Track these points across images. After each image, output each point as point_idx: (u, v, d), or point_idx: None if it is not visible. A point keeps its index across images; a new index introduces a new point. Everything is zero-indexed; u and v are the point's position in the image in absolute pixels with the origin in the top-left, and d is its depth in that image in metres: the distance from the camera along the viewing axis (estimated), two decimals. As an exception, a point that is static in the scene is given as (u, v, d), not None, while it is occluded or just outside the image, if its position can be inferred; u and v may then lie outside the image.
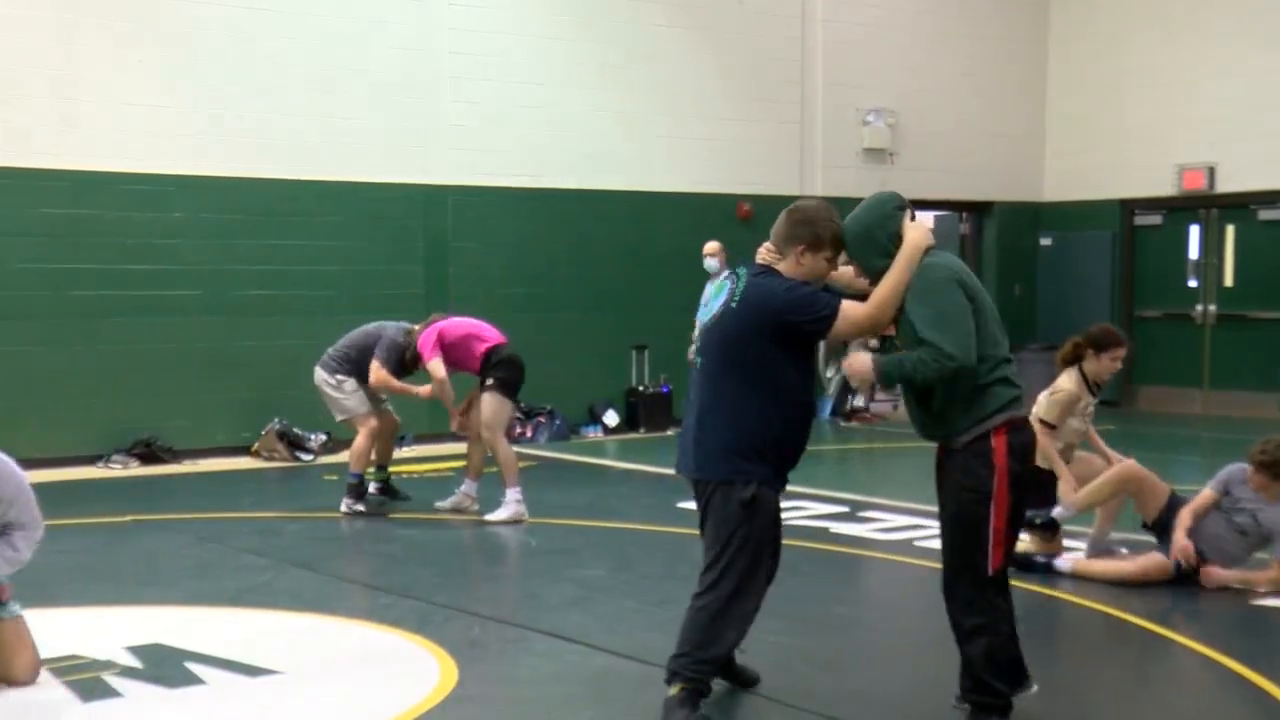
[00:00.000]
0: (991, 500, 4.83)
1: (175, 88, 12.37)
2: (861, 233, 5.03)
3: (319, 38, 13.02)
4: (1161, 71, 16.62)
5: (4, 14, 11.71)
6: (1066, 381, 7.63)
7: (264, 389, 12.68)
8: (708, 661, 5.04)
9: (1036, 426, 7.40)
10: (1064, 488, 7.54)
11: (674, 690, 4.99)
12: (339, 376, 9.67)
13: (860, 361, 5.07)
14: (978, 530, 4.85)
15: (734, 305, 5.02)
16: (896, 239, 4.96)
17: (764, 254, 5.18)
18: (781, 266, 5.09)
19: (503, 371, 9.37)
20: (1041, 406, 7.60)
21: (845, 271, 5.25)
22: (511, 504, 9.21)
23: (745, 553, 5.01)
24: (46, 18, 11.84)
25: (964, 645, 5.00)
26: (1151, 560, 7.26)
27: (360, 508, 9.56)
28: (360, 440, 9.63)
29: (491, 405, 9.29)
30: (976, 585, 4.91)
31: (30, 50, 11.78)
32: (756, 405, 4.99)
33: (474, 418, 9.49)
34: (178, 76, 12.38)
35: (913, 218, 5.04)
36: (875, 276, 5.01)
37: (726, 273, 5.26)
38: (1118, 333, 7.90)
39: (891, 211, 5.03)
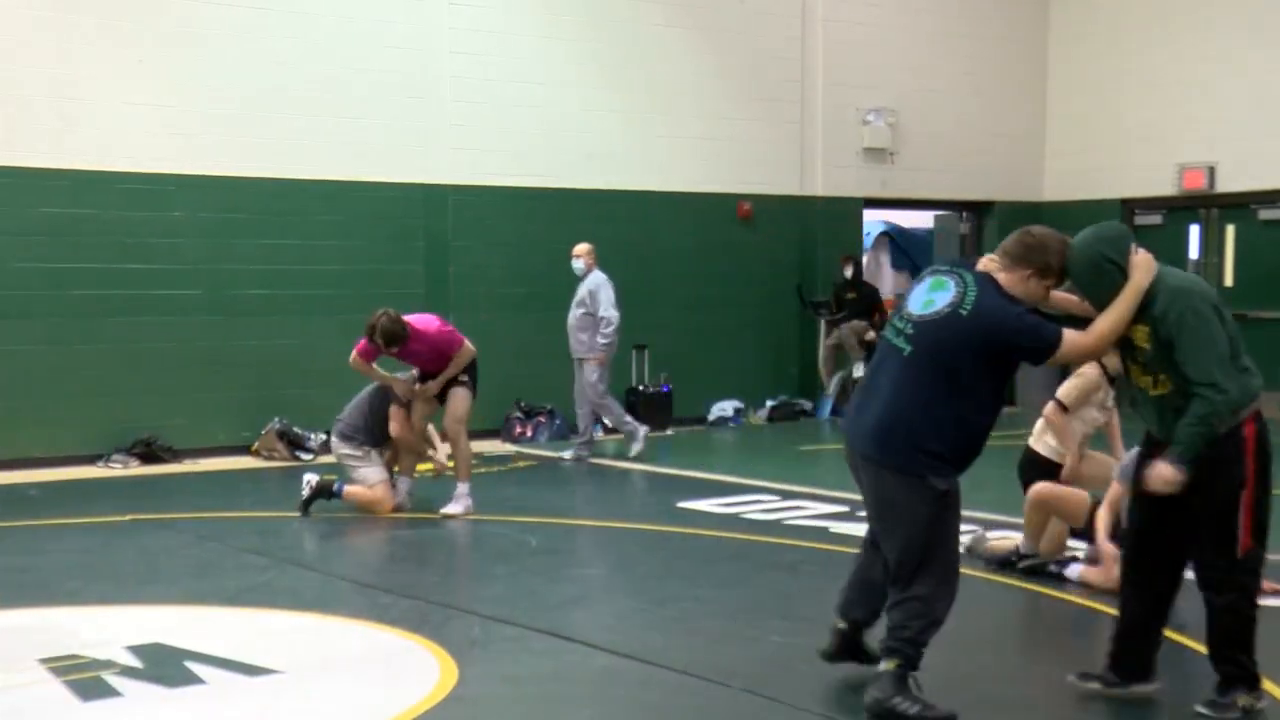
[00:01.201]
0: (1244, 486, 5.04)
1: (175, 87, 12.37)
2: (1090, 263, 5.15)
3: (319, 37, 13.01)
4: (1161, 71, 16.61)
5: (4, 14, 11.71)
6: (1091, 369, 7.59)
7: (264, 388, 12.68)
8: (924, 643, 5.21)
9: (1051, 406, 7.55)
10: (1067, 470, 7.57)
11: (890, 665, 5.16)
12: (365, 447, 9.63)
13: (1161, 474, 5.05)
14: (1231, 516, 5.05)
15: (963, 313, 5.10)
16: (1123, 271, 5.08)
17: (987, 263, 5.31)
18: (1003, 278, 5.22)
19: (473, 370, 9.63)
20: (1063, 388, 7.61)
21: (1065, 298, 5.43)
22: (465, 498, 9.44)
23: (945, 542, 5.20)
24: (47, 18, 11.84)
25: (1213, 621, 5.19)
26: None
27: (306, 498, 9.52)
28: (365, 495, 9.57)
29: (466, 402, 9.55)
30: (1229, 568, 5.10)
31: (30, 50, 11.78)
32: (955, 410, 5.11)
33: (414, 416, 9.64)
34: (178, 76, 12.38)
35: (1134, 251, 5.14)
36: (1099, 305, 5.15)
37: (947, 268, 5.35)
38: None
39: (1122, 245, 5.15)
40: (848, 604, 5.64)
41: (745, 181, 15.53)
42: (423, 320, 9.59)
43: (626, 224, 14.78)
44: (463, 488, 9.48)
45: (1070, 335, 5.11)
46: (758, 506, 9.82)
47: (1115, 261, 5.09)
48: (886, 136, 16.45)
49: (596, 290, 12.17)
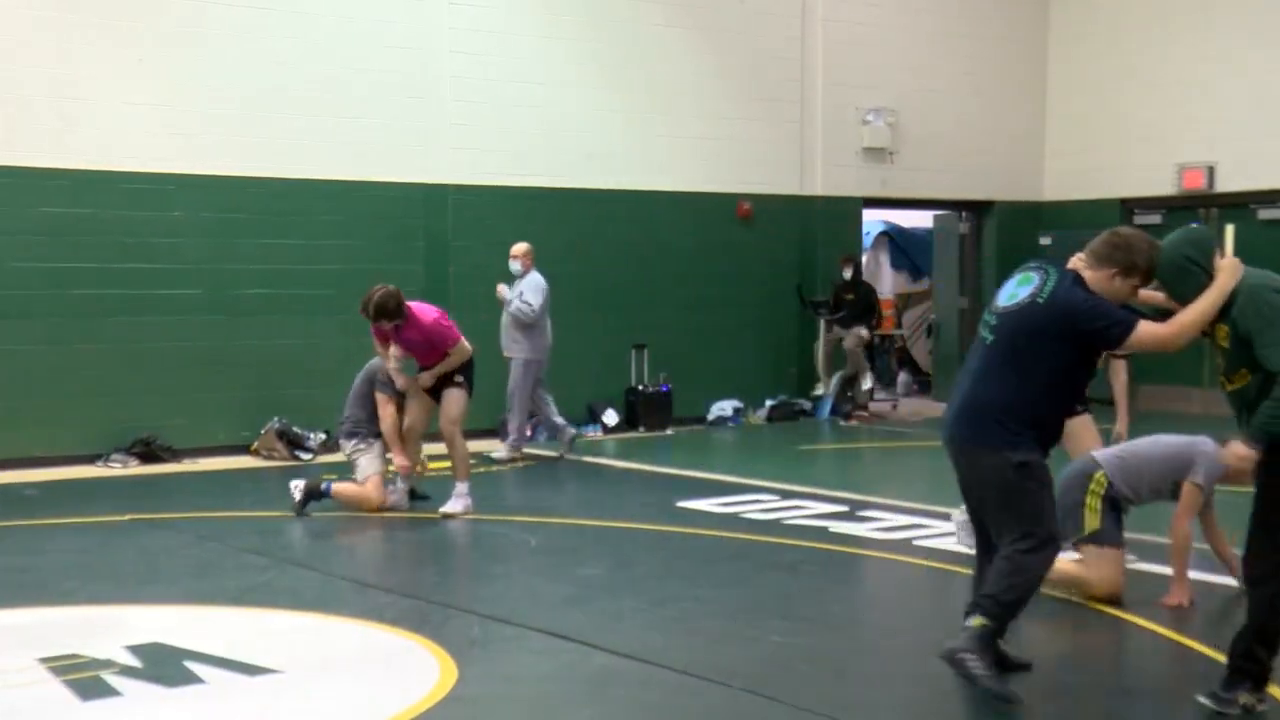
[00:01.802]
0: None
1: (175, 87, 12.37)
2: (1174, 264, 5.26)
3: (319, 37, 13.01)
4: (1161, 71, 16.61)
5: (4, 14, 11.71)
6: None
7: (263, 388, 12.69)
8: (1009, 604, 5.34)
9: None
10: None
11: (975, 623, 5.31)
12: (369, 440, 9.66)
13: (1234, 449, 5.17)
14: None
15: (1040, 301, 5.34)
16: (1207, 273, 5.17)
17: (1076, 262, 5.48)
18: (1089, 275, 5.40)
19: (469, 371, 9.62)
20: None
21: (1153, 295, 5.53)
22: (464, 496, 9.44)
23: (1033, 512, 5.33)
24: (47, 17, 11.84)
25: (1249, 612, 5.19)
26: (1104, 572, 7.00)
27: (300, 501, 9.56)
28: (351, 491, 9.60)
29: (461, 402, 9.54)
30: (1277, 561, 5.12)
31: (30, 50, 11.78)
32: (1031, 391, 5.34)
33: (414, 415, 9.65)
34: (178, 75, 12.38)
35: (1221, 254, 5.25)
36: (1184, 304, 5.23)
37: (1035, 264, 5.56)
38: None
39: (1206, 248, 5.24)
40: (972, 606, 5.63)
41: (745, 181, 15.53)
42: (421, 308, 9.55)
43: (626, 224, 14.79)
44: (461, 487, 9.46)
45: (1147, 323, 5.28)
46: (757, 506, 9.82)
47: (1199, 263, 5.21)
48: (886, 136, 16.45)
49: (530, 293, 12.18)
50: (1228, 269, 5.17)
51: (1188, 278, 5.22)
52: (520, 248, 12.34)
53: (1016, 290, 5.47)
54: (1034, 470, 5.37)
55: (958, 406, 5.55)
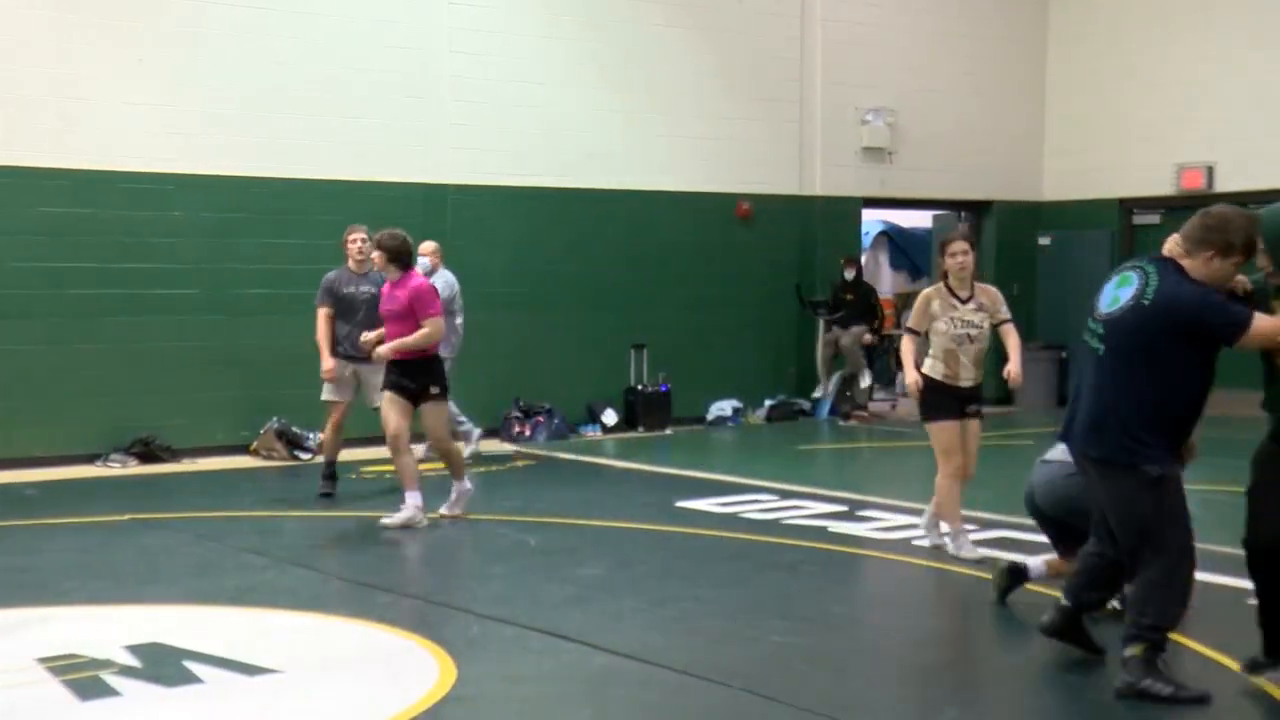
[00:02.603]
0: None
1: (175, 87, 12.37)
2: None
3: (319, 37, 13.01)
4: (1161, 71, 16.61)
5: (4, 14, 11.71)
6: (929, 287, 8.13)
7: (263, 388, 12.68)
8: (1164, 625, 5.31)
9: (904, 335, 8.16)
10: (908, 380, 7.95)
11: (1135, 651, 5.27)
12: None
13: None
14: None
15: (1145, 302, 5.24)
16: None
17: (1171, 246, 5.46)
18: (1187, 264, 5.34)
19: (441, 375, 9.19)
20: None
21: (1240, 280, 5.57)
22: (463, 496, 9.31)
23: (1171, 526, 5.26)
24: (47, 17, 11.84)
25: None
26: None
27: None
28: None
29: (442, 417, 9.20)
30: None
31: (30, 50, 11.78)
32: (1155, 394, 5.24)
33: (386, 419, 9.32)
34: (177, 75, 12.38)
35: None
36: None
37: (1131, 264, 5.50)
38: (956, 231, 8.45)
39: None
40: (1072, 586, 5.74)
41: (744, 181, 15.53)
42: (415, 272, 9.28)
43: (626, 224, 14.79)
44: (461, 485, 9.38)
45: (1262, 317, 5.20)
46: (756, 506, 9.82)
47: None
48: (885, 136, 16.46)
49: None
50: None
51: None
52: (428, 246, 11.97)
53: (1117, 293, 5.36)
54: (1170, 483, 5.27)
55: (1084, 422, 5.42)
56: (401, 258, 9.02)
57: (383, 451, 10.33)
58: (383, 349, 9.03)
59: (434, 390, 9.04)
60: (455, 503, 9.36)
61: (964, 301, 7.90)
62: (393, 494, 10.35)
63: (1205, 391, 5.36)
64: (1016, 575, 6.82)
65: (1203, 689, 5.32)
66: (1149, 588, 5.29)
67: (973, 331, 7.85)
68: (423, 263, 12.00)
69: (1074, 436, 5.51)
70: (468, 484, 9.41)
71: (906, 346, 8.09)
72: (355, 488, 10.59)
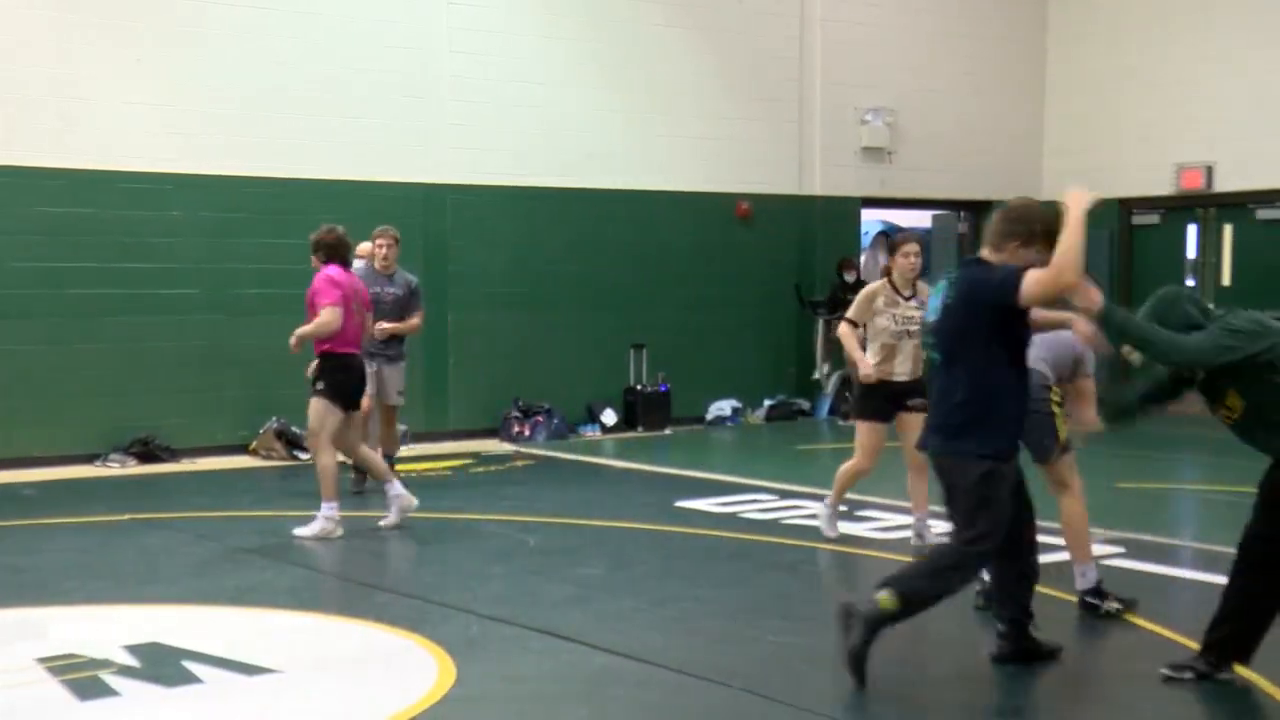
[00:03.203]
0: None
1: (174, 86, 12.37)
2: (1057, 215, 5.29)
3: (319, 37, 13.01)
4: (1160, 71, 16.61)
5: (3, 13, 11.71)
6: (874, 283, 8.36)
7: (262, 388, 12.67)
8: (920, 600, 5.49)
9: (841, 323, 8.38)
10: (863, 371, 8.19)
11: (885, 600, 5.43)
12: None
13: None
14: None
15: (949, 303, 5.50)
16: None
17: (983, 252, 5.62)
18: (995, 259, 5.51)
19: (332, 374, 8.82)
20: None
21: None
22: (321, 520, 8.65)
23: (983, 521, 5.42)
24: (47, 17, 11.84)
25: None
26: None
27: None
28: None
29: (318, 413, 8.78)
30: None
31: (30, 50, 11.78)
32: (979, 391, 5.42)
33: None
34: (176, 75, 12.38)
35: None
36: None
37: (947, 272, 5.76)
38: (909, 232, 8.99)
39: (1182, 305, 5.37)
40: (998, 611, 5.85)
41: (744, 181, 15.53)
42: (331, 267, 8.94)
43: (626, 224, 14.79)
44: (324, 507, 8.63)
45: (1032, 270, 5.28)
46: (756, 506, 9.82)
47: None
48: (885, 136, 16.45)
49: None
50: (1074, 196, 5.22)
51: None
52: (365, 247, 11.47)
53: (937, 303, 5.60)
54: (995, 479, 5.42)
55: (930, 426, 5.68)
56: (317, 250, 8.99)
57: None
58: (294, 336, 8.95)
59: (318, 386, 8.77)
60: (311, 524, 8.68)
61: (907, 299, 8.24)
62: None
63: (1017, 373, 5.50)
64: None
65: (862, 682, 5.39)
66: (938, 562, 5.56)
67: (912, 328, 8.15)
68: (358, 265, 11.57)
69: (924, 438, 5.74)
70: (331, 508, 8.66)
71: (849, 337, 8.29)
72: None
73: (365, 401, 10.17)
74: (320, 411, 8.72)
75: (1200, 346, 5.21)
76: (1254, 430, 5.34)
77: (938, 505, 6.10)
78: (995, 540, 5.46)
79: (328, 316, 8.69)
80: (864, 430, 8.27)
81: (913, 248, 8.30)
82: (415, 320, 10.55)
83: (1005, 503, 5.47)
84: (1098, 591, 6.66)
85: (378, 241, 10.54)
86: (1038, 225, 5.45)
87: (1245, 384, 5.27)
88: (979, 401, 5.41)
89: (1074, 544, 6.73)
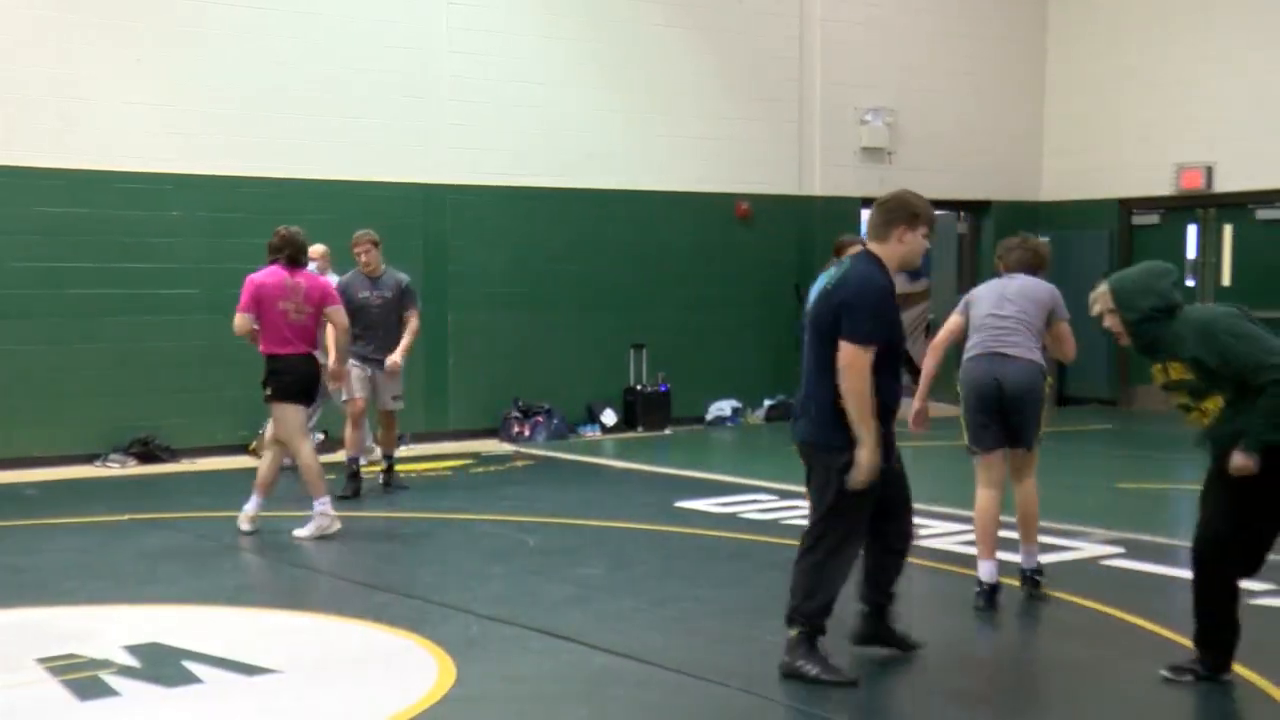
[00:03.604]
0: None
1: (173, 87, 12.37)
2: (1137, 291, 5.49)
3: (319, 37, 13.01)
4: (1160, 71, 16.62)
5: (4, 14, 11.71)
6: None
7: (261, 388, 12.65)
8: (817, 609, 5.54)
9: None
10: None
11: (794, 632, 5.57)
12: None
13: (1233, 461, 5.36)
14: None
15: (829, 287, 5.56)
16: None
17: (870, 246, 5.71)
18: (883, 250, 5.59)
19: (274, 375, 8.77)
20: None
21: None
22: (320, 516, 8.72)
23: (841, 513, 5.50)
24: (47, 17, 11.84)
25: None
26: None
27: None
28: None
29: (279, 418, 8.79)
30: None
31: (30, 50, 11.78)
32: (832, 379, 5.46)
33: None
34: (176, 75, 12.38)
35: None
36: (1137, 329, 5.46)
37: (836, 264, 5.84)
38: (855, 238, 8.72)
39: (1167, 280, 5.54)
40: (864, 591, 5.93)
41: (744, 181, 15.53)
42: (271, 269, 8.79)
43: (625, 224, 14.79)
44: (316, 505, 8.68)
45: (849, 348, 5.36)
46: (755, 506, 9.82)
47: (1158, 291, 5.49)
48: (885, 136, 16.45)
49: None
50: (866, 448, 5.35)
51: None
52: (318, 249, 11.39)
53: (820, 285, 5.66)
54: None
55: (795, 410, 5.78)
56: (270, 250, 8.83)
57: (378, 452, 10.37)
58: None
59: (266, 392, 8.75)
60: (310, 524, 8.69)
61: None
62: (395, 493, 10.37)
63: (890, 377, 5.50)
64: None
65: (853, 674, 5.52)
66: (811, 571, 5.54)
67: None
68: (311, 267, 11.52)
69: (791, 426, 5.85)
70: (322, 503, 8.68)
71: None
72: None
73: (359, 401, 10.19)
74: (280, 416, 8.69)
75: None
76: (1225, 425, 5.35)
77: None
78: (853, 526, 5.56)
79: (236, 324, 8.66)
80: None
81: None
82: (413, 324, 10.39)
83: (866, 495, 5.51)
84: (1041, 570, 7.07)
85: (355, 249, 10.42)
86: (919, 206, 5.59)
87: (1239, 389, 5.29)
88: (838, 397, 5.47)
89: (1030, 527, 7.02)
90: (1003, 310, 6.94)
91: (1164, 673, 5.58)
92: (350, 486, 10.15)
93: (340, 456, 10.93)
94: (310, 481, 8.65)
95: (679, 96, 15.06)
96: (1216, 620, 5.53)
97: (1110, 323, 5.55)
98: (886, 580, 5.88)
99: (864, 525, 5.61)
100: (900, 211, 5.58)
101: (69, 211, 11.97)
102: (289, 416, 8.67)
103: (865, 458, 5.36)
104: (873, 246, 5.62)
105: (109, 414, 12.11)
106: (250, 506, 8.80)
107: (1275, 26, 15.71)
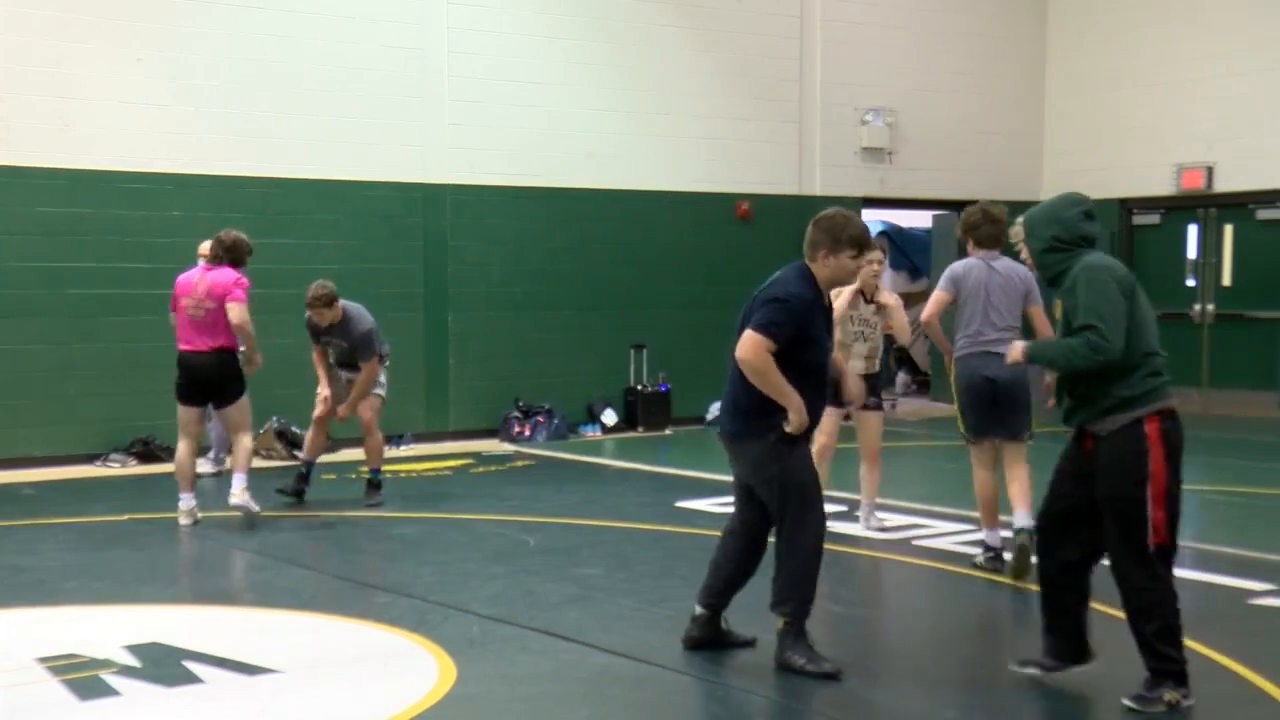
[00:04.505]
0: (1149, 481, 5.20)
1: (173, 86, 12.37)
2: (1042, 219, 5.53)
3: (318, 37, 13.01)
4: (1160, 71, 16.62)
5: (4, 14, 11.71)
6: (848, 288, 8.61)
7: (261, 388, 12.57)
8: (799, 596, 5.75)
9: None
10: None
11: (780, 623, 5.75)
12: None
13: (1013, 348, 5.71)
14: (1138, 511, 5.20)
15: (756, 292, 5.83)
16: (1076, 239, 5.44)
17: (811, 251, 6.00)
18: (814, 268, 5.87)
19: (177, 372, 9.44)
20: None
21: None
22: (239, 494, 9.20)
23: (797, 492, 5.70)
24: (44, 16, 11.84)
25: (1135, 621, 5.30)
26: None
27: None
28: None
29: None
30: (1140, 561, 5.23)
31: (28, 48, 11.79)
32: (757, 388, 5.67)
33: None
34: (175, 75, 12.38)
35: None
36: (1039, 256, 5.51)
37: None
38: (875, 240, 8.96)
39: (1077, 210, 5.49)
40: (704, 590, 6.19)
41: (744, 181, 15.53)
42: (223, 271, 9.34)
43: (625, 223, 14.79)
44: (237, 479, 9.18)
45: (752, 337, 5.62)
46: (756, 506, 9.80)
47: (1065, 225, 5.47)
48: (885, 136, 16.46)
49: None
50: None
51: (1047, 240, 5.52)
52: (203, 247, 11.11)
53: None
54: (783, 448, 5.65)
55: (721, 405, 6.01)
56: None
57: (384, 451, 10.37)
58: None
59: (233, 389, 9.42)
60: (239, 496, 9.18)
61: (867, 303, 8.71)
62: (395, 493, 10.36)
63: (807, 369, 5.66)
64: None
65: (835, 666, 5.59)
66: (788, 563, 5.74)
67: (867, 330, 8.67)
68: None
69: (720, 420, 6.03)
70: (189, 501, 9.19)
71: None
72: (353, 488, 10.57)
73: (322, 407, 10.05)
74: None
75: (1082, 354, 5.27)
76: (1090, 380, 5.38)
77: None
78: (805, 494, 5.76)
79: (237, 318, 9.22)
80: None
81: (875, 254, 8.58)
82: (364, 372, 9.97)
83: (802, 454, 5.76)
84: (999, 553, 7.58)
85: (308, 310, 9.97)
86: (843, 233, 5.81)
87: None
88: (755, 393, 5.65)
89: (1025, 495, 7.38)
90: (992, 309, 7.58)
91: (1012, 665, 5.69)
92: (294, 486, 10.00)
93: (339, 457, 10.96)
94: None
95: (679, 96, 15.06)
96: (1054, 606, 5.57)
97: (1024, 252, 5.72)
98: (731, 591, 6.07)
99: (817, 495, 5.76)
100: (823, 237, 5.83)
101: (69, 211, 11.97)
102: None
103: (794, 418, 5.59)
104: (807, 258, 5.88)
105: (109, 414, 12.11)
106: (183, 510, 9.14)
107: (1274, 27, 15.71)
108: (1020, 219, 5.70)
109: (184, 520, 9.06)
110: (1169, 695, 5.19)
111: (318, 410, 10.02)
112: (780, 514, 5.77)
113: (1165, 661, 5.23)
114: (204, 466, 11.29)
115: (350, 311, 9.89)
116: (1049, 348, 5.48)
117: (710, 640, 6.03)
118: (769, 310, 5.65)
